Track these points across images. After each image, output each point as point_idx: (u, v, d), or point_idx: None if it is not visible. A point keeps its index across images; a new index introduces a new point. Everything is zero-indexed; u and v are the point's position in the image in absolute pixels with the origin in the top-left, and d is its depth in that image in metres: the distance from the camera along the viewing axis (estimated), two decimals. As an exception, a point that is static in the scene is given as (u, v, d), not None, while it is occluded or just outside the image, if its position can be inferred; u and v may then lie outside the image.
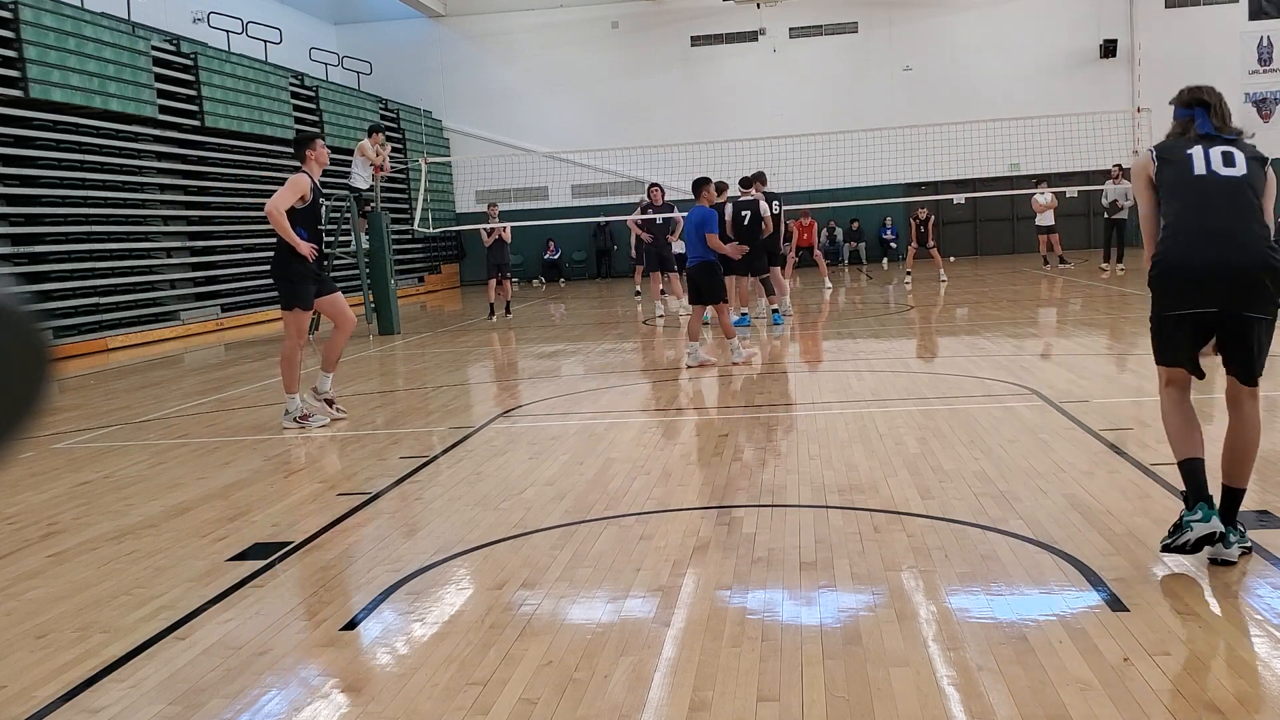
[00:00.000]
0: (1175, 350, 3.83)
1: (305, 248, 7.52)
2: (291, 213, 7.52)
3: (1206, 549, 3.74)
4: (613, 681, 3.10)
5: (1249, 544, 3.84)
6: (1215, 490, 3.81)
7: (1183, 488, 3.84)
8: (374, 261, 15.71)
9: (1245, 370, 3.75)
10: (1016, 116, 21.84)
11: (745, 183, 13.30)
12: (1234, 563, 3.74)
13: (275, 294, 7.96)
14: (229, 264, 19.73)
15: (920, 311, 14.72)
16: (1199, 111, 3.88)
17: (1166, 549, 3.72)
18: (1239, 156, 3.76)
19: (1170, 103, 4.05)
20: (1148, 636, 3.19)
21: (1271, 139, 26.35)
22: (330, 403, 7.92)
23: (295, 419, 7.71)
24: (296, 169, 7.75)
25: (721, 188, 13.66)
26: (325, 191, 8.41)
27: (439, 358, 12.34)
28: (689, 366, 9.88)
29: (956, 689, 2.92)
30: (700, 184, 10.35)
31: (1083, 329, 11.75)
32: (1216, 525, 3.64)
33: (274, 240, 7.65)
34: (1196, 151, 3.79)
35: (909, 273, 20.03)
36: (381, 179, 16.40)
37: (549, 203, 27.82)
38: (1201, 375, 3.87)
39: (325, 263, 8.67)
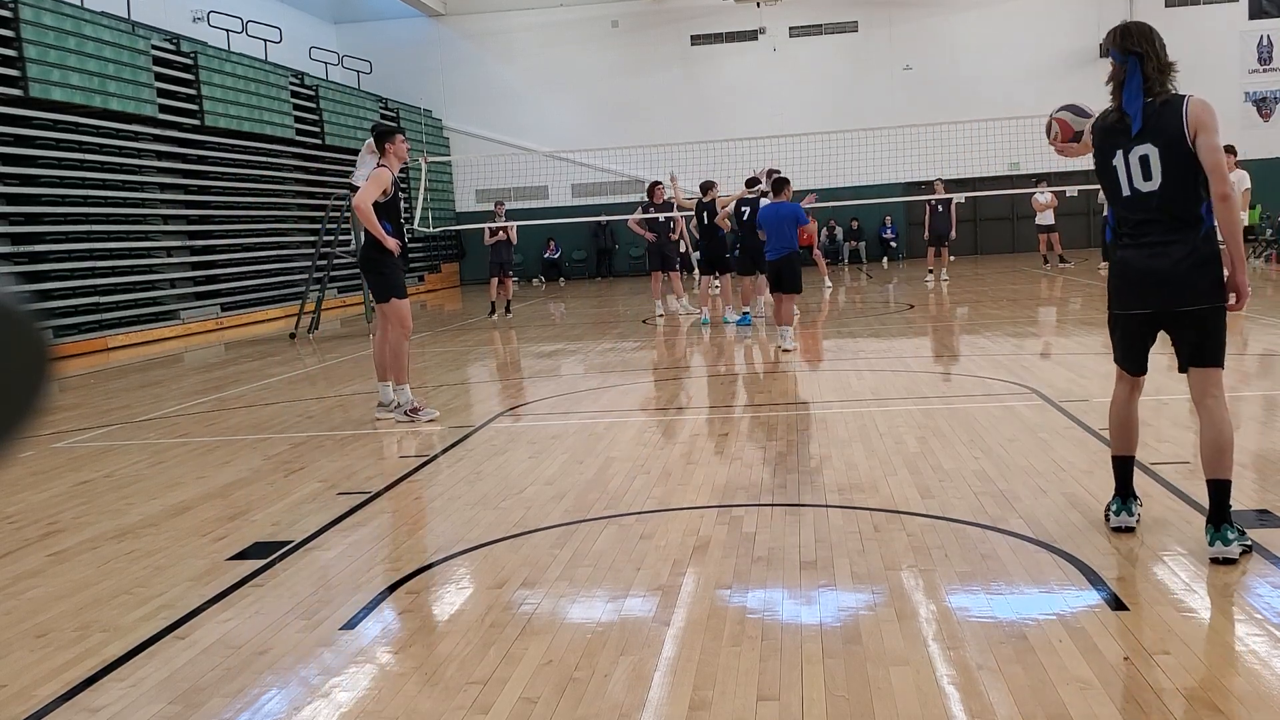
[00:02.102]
0: (1124, 346, 4.14)
1: (391, 243, 7.58)
2: (375, 207, 7.55)
3: (1209, 551, 3.79)
4: (613, 681, 3.10)
5: (1249, 543, 3.84)
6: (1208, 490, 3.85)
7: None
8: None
9: (1198, 353, 3.92)
10: (1016, 116, 21.82)
11: (751, 182, 13.33)
12: (1235, 561, 3.74)
13: (372, 287, 7.90)
14: (229, 263, 19.73)
15: (920, 311, 14.72)
16: (1131, 63, 3.88)
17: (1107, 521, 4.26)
18: (1155, 161, 3.82)
19: (1102, 44, 4.06)
20: (1148, 636, 3.19)
21: (1271, 138, 26.36)
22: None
23: (406, 412, 7.73)
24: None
25: (708, 186, 13.76)
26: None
27: (439, 357, 12.34)
28: (785, 350, 10.49)
29: (956, 688, 2.92)
30: (781, 183, 11.28)
31: (1083, 328, 11.75)
32: (1125, 521, 4.16)
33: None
34: (1119, 164, 3.92)
35: (931, 271, 19.26)
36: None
37: (549, 202, 27.82)
38: (1136, 371, 4.18)
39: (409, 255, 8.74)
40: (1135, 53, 3.88)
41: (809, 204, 14.01)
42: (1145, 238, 3.91)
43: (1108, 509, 4.26)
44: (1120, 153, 3.92)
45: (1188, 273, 3.83)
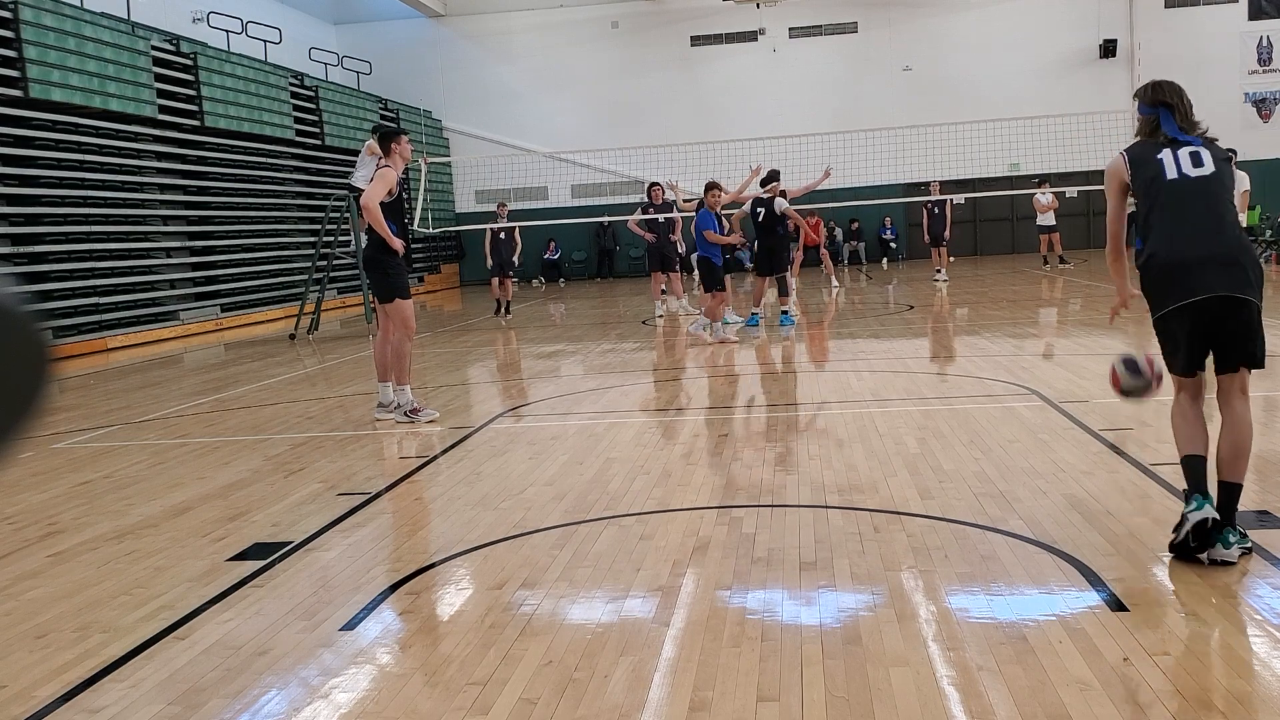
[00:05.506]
0: (1182, 350, 3.91)
1: (397, 243, 7.60)
2: (380, 207, 7.55)
3: (1207, 552, 3.76)
4: (613, 681, 3.10)
5: (1249, 544, 3.84)
6: (1214, 490, 3.84)
7: (1183, 486, 3.88)
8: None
9: (1246, 353, 3.84)
10: (1016, 116, 21.85)
11: (765, 181, 13.30)
12: (1233, 563, 3.74)
13: (375, 287, 7.86)
14: (229, 264, 19.72)
15: (920, 311, 14.72)
16: (1163, 113, 4.03)
17: (1171, 547, 3.86)
18: (1206, 156, 3.93)
19: (1134, 97, 4.18)
20: (1148, 636, 3.19)
21: (1271, 139, 26.36)
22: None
23: (406, 413, 7.73)
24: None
25: (711, 187, 13.78)
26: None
27: (439, 358, 12.34)
28: (699, 335, 11.84)
29: (956, 689, 2.92)
30: (707, 188, 12.33)
31: (1083, 329, 11.75)
32: (1209, 512, 3.74)
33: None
34: (1166, 156, 3.95)
35: (939, 270, 19.53)
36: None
37: (549, 203, 27.80)
38: (1200, 368, 3.97)
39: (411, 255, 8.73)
40: (1166, 104, 4.02)
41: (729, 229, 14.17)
42: (1189, 218, 3.84)
43: (1183, 517, 3.80)
44: (1168, 150, 3.96)
45: (1244, 260, 3.79)
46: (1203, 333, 3.87)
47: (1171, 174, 3.92)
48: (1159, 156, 3.96)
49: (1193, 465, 3.89)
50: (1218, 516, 3.77)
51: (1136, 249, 4.04)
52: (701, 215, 12.13)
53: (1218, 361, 3.92)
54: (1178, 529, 3.83)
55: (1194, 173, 3.90)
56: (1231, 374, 3.90)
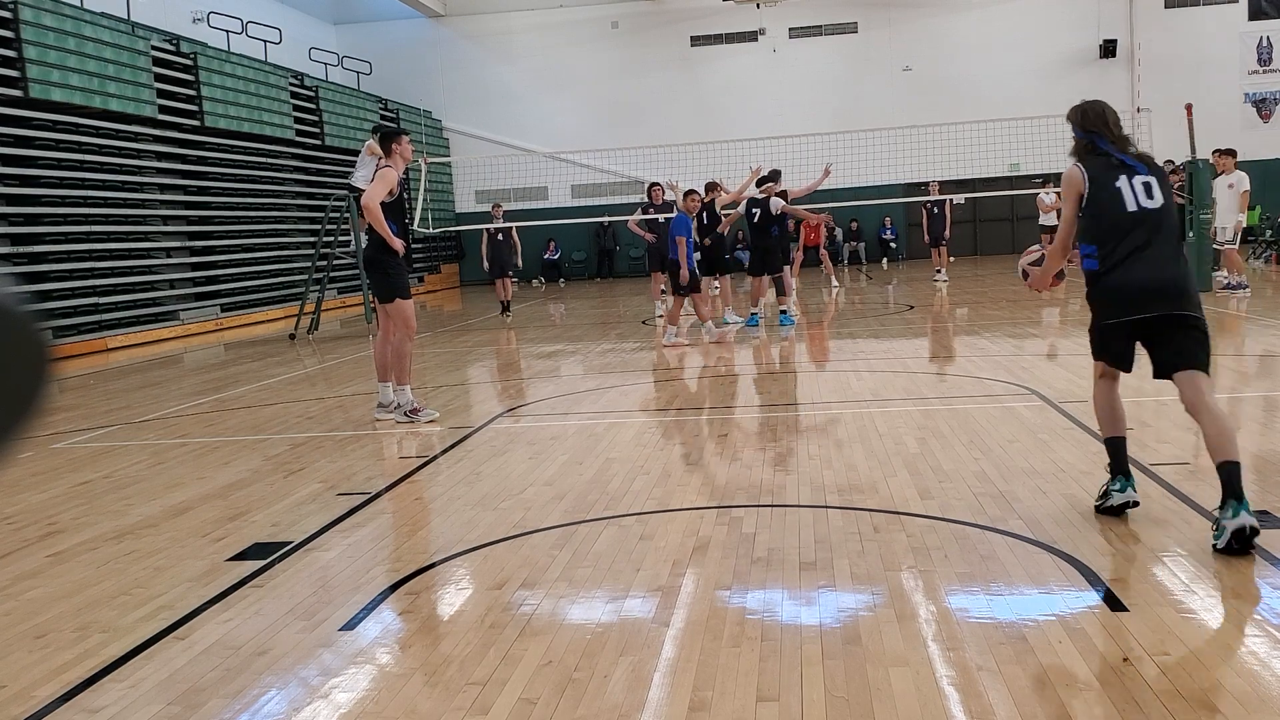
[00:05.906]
0: (1113, 350, 4.36)
1: (397, 243, 7.60)
2: (380, 207, 7.54)
3: (1237, 520, 3.80)
4: (612, 681, 3.10)
5: (1230, 536, 3.87)
6: (1214, 482, 3.88)
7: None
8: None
9: (1189, 356, 4.12)
10: (1016, 116, 21.83)
11: (763, 181, 13.27)
12: (1258, 532, 3.80)
13: (376, 288, 7.85)
14: (228, 264, 19.72)
15: (920, 311, 14.72)
16: (1094, 138, 4.39)
17: (1097, 510, 4.43)
18: (1156, 188, 4.28)
19: (1066, 119, 4.55)
20: (1148, 636, 3.19)
21: (1271, 139, 26.36)
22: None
23: (406, 413, 7.73)
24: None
25: (711, 186, 13.79)
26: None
27: (439, 358, 12.34)
28: (665, 345, 11.70)
29: (956, 689, 2.92)
30: (686, 193, 12.53)
31: (1082, 329, 11.71)
32: (1132, 495, 4.34)
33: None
34: (1124, 185, 4.29)
35: (939, 270, 19.52)
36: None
37: (549, 203, 27.80)
38: (1129, 369, 4.39)
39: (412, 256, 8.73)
40: (1093, 132, 4.41)
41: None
42: (1149, 250, 4.18)
43: (1107, 492, 4.40)
44: (1124, 178, 4.28)
45: (1186, 286, 4.17)
46: (1145, 341, 4.24)
47: (1131, 205, 4.25)
48: (1117, 184, 4.28)
49: (1116, 446, 4.40)
50: (1138, 502, 4.36)
51: (1087, 267, 4.33)
52: (677, 220, 12.04)
53: (1168, 363, 4.18)
54: (1102, 499, 4.40)
55: (1149, 205, 4.24)
56: (1187, 375, 4.10)
